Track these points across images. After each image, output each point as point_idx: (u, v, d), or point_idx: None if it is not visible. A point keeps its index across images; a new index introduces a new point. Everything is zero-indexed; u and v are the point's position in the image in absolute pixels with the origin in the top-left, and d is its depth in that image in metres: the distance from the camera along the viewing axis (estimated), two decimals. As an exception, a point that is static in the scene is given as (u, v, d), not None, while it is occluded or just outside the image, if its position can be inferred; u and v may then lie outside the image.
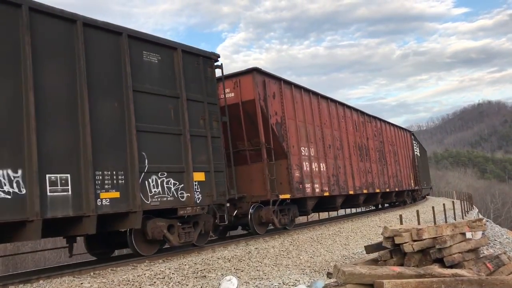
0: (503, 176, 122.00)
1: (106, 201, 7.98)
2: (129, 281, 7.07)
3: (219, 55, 11.11)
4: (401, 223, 11.75)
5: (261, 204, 12.56)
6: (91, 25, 8.19)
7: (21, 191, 6.80)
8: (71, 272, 7.77)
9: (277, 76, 13.86)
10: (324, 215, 23.31)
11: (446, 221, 15.94)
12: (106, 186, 8.04)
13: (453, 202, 25.16)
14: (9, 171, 6.72)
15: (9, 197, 6.66)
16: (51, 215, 7.13)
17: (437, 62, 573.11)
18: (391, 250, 7.36)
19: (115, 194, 8.17)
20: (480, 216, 29.69)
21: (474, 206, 34.98)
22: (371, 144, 21.24)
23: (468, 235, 7.51)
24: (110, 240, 10.14)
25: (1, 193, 6.59)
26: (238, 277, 7.62)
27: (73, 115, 7.70)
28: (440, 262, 6.89)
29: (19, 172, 6.82)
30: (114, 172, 8.20)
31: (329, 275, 7.26)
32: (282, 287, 6.94)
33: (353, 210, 27.43)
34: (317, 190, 14.78)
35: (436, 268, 6.14)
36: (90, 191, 7.66)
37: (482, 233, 7.87)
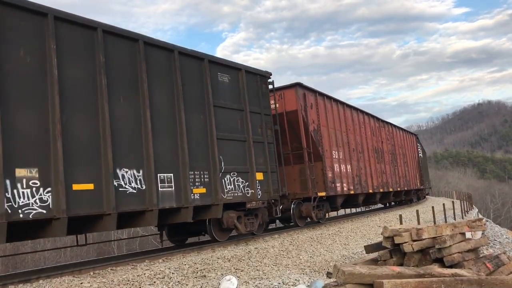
0: (503, 176, 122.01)
1: (197, 195, 10.00)
2: (128, 280, 7.07)
3: (271, 73, 13.18)
4: (401, 223, 11.76)
5: (301, 201, 14.59)
6: (183, 53, 10.37)
7: (142, 187, 8.81)
8: (71, 272, 7.77)
9: (313, 89, 16.07)
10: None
11: (446, 221, 15.94)
12: (197, 183, 10.08)
13: (453, 202, 25.17)
14: (134, 171, 8.73)
15: (135, 191, 8.65)
16: (161, 206, 9.12)
17: (437, 62, 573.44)
18: (391, 250, 7.36)
19: (203, 190, 10.19)
20: (480, 216, 29.69)
21: (474, 206, 34.97)
22: (385, 147, 23.47)
23: (468, 235, 7.51)
24: (185, 230, 12.07)
25: (130, 188, 8.59)
26: (238, 276, 7.62)
27: (174, 127, 9.78)
28: (440, 262, 6.88)
29: (141, 172, 8.85)
30: (202, 172, 10.26)
31: (328, 275, 7.26)
32: (282, 287, 6.94)
33: (353, 210, 27.52)
34: (345, 188, 16.94)
35: (436, 268, 6.14)
36: (187, 187, 9.73)
37: (482, 233, 7.88)
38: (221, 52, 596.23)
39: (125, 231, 30.33)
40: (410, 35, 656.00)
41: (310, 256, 10.13)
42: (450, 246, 6.91)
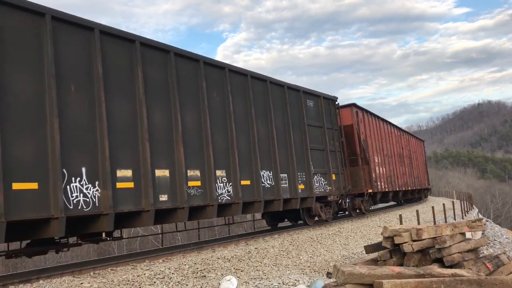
0: (503, 176, 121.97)
1: (300, 190, 14.23)
2: (129, 281, 7.07)
3: (337, 97, 17.92)
4: (401, 223, 11.76)
5: (353, 196, 18.74)
6: (291, 88, 15.00)
7: (272, 184, 13.03)
8: (71, 272, 7.78)
9: (362, 107, 21.02)
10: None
11: (445, 221, 15.94)
12: (299, 181, 14.27)
13: (453, 202, 25.16)
14: (268, 172, 12.94)
15: (269, 187, 12.91)
16: (284, 197, 13.34)
17: (437, 62, 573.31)
18: (391, 250, 7.36)
19: (303, 186, 14.45)
20: (480, 216, 29.68)
21: (474, 206, 34.96)
22: (404, 153, 28.32)
23: (468, 235, 7.51)
24: (280, 217, 16.50)
25: (267, 184, 12.80)
26: (237, 277, 7.63)
27: (286, 142, 14.07)
28: (440, 262, 6.89)
29: (271, 172, 13.05)
30: (302, 173, 14.49)
31: (328, 275, 7.27)
32: (281, 287, 6.94)
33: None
34: (382, 187, 21.67)
35: (436, 268, 6.14)
36: (296, 184, 14.02)
37: (482, 233, 7.89)
38: (222, 52, 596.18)
39: (125, 231, 30.28)
40: (410, 35, 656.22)
41: (310, 256, 10.13)
42: (450, 246, 6.91)
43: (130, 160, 8.77)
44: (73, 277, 7.49)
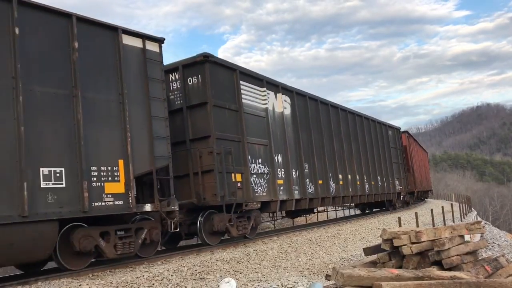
0: (501, 179, 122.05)
1: (397, 187, 24.34)
2: (127, 283, 7.06)
3: (399, 127, 27.64)
4: (400, 225, 11.76)
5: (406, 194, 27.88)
6: (379, 122, 24.25)
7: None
8: (70, 273, 7.76)
9: (410, 134, 32.39)
10: (323, 217, 23.33)
11: (444, 224, 15.95)
12: (391, 182, 23.72)
13: (451, 204, 25.16)
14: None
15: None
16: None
17: (437, 64, 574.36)
18: (390, 252, 7.36)
19: (390, 185, 23.89)
20: (479, 219, 29.69)
21: (472, 209, 34.98)
22: (424, 163, 39.32)
23: (467, 237, 7.51)
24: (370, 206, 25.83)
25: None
26: (236, 279, 7.62)
27: (380, 161, 22.73)
28: (439, 264, 6.89)
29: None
30: (392, 179, 23.87)
31: (327, 277, 7.26)
32: (280, 289, 6.93)
33: (352, 212, 27.59)
34: (419, 187, 31.45)
35: (435, 271, 6.14)
36: (389, 184, 23.53)
37: (481, 236, 7.89)
38: (222, 54, 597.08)
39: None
40: (410, 38, 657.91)
41: (309, 259, 10.12)
42: (449, 248, 6.92)
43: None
44: (72, 279, 7.47)
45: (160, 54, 9.77)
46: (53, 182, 7.36)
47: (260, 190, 12.27)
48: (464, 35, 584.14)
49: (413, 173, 29.62)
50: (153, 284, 7.16)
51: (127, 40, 9.08)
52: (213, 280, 7.56)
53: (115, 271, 8.17)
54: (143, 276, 7.44)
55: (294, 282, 7.32)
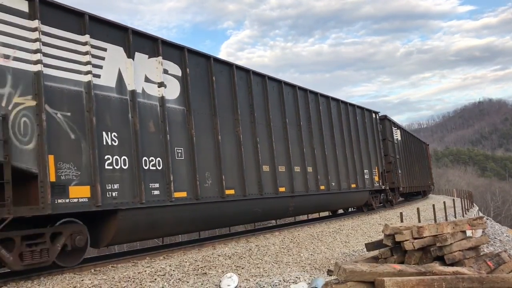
0: (503, 174, 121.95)
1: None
2: (129, 278, 7.07)
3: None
4: (402, 221, 11.75)
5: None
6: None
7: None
8: (72, 269, 7.77)
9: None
10: (324, 213, 23.35)
11: (446, 219, 15.94)
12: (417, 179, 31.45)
13: (453, 200, 25.17)
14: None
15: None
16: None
17: (440, 60, 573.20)
18: (392, 248, 7.35)
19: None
20: (481, 214, 29.68)
21: (474, 204, 34.98)
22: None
23: (469, 233, 7.50)
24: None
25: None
26: (238, 274, 7.63)
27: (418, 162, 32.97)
28: (441, 260, 6.88)
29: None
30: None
31: (329, 272, 7.26)
32: (282, 284, 6.94)
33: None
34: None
35: (437, 266, 6.13)
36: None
37: (483, 231, 7.87)
38: (226, 50, 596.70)
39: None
40: (414, 33, 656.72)
41: (311, 254, 10.13)
42: (451, 244, 6.90)
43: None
44: (74, 274, 7.49)
45: None
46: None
47: None
48: (467, 30, 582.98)
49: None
50: (156, 279, 7.17)
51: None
52: (215, 276, 7.56)
53: (117, 266, 8.18)
54: (145, 271, 7.45)
55: (296, 277, 7.32)
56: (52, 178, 7.44)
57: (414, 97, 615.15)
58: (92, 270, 7.81)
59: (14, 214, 6.86)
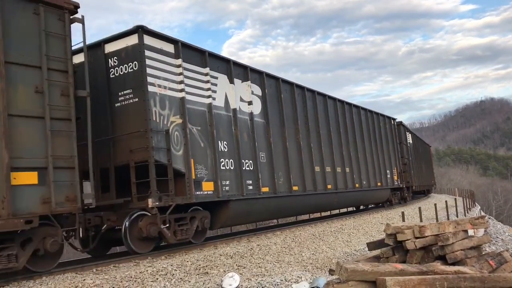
0: (505, 173, 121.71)
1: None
2: (131, 277, 7.08)
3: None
4: (403, 220, 11.74)
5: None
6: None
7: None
8: (74, 268, 7.79)
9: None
10: (325, 212, 23.33)
11: (448, 218, 15.92)
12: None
13: (455, 199, 25.13)
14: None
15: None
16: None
17: (442, 59, 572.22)
18: (393, 247, 7.34)
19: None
20: (482, 214, 29.63)
21: (476, 204, 34.93)
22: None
23: (470, 232, 7.49)
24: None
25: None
26: (240, 273, 7.63)
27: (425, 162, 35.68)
28: (443, 259, 6.87)
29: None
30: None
31: (331, 271, 7.26)
32: (284, 283, 6.94)
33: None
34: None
35: (439, 265, 6.12)
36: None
37: (484, 231, 7.86)
38: (227, 49, 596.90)
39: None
40: (416, 32, 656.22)
41: (312, 253, 10.13)
42: (452, 243, 6.90)
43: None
44: (76, 273, 7.50)
45: None
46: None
47: None
48: (469, 29, 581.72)
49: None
50: (157, 278, 7.18)
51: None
52: (216, 275, 7.57)
53: (119, 265, 8.19)
54: (147, 271, 7.45)
55: (298, 276, 7.32)
56: (193, 176, 10.12)
57: (415, 96, 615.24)
58: (94, 270, 7.82)
59: (175, 202, 9.50)
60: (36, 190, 7.15)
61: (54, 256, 7.71)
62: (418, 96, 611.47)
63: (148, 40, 9.73)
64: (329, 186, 15.87)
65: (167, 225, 9.41)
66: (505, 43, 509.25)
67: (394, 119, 25.28)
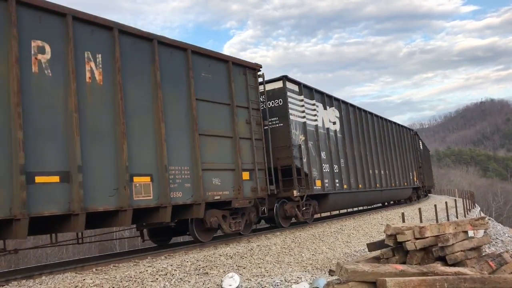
0: (505, 175, 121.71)
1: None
2: (131, 277, 7.07)
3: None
4: (403, 221, 11.74)
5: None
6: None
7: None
8: (74, 268, 7.79)
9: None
10: (325, 213, 23.33)
11: (448, 219, 15.92)
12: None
13: (455, 200, 25.14)
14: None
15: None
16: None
17: (443, 60, 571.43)
18: (393, 248, 7.34)
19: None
20: (482, 215, 29.60)
21: (476, 205, 34.91)
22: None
23: (470, 233, 7.49)
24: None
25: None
26: (240, 274, 7.62)
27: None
28: (443, 260, 6.87)
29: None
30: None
31: (331, 272, 7.26)
32: (284, 284, 6.93)
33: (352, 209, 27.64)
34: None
35: (439, 266, 6.12)
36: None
37: (484, 232, 7.86)
38: (228, 49, 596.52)
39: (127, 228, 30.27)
40: (417, 33, 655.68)
41: (312, 254, 10.12)
42: (453, 244, 6.90)
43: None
44: (76, 273, 7.49)
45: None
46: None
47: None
48: (470, 31, 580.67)
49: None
50: (157, 279, 7.17)
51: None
52: (216, 275, 7.56)
53: (119, 265, 8.19)
54: (146, 270, 7.45)
55: (298, 277, 7.32)
56: (312, 176, 14.47)
57: (416, 97, 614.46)
58: (94, 270, 7.81)
59: (305, 193, 13.96)
60: (249, 183, 11.53)
61: (246, 227, 12.07)
62: (418, 97, 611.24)
63: (288, 84, 14.30)
64: (377, 185, 20.63)
65: (304, 208, 14.00)
66: (506, 44, 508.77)
67: (412, 130, 31.07)
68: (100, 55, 8.21)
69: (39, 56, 7.35)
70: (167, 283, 7.01)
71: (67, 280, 6.86)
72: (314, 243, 11.39)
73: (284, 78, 14.13)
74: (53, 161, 7.24)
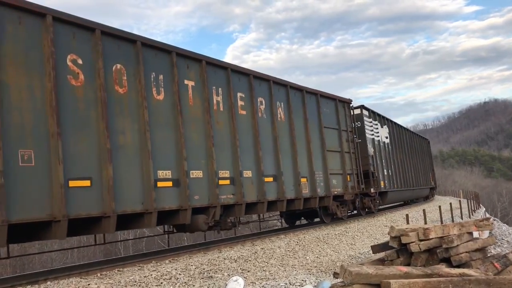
0: (510, 175, 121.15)
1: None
2: (135, 282, 7.08)
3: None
4: (408, 222, 11.71)
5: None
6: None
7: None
8: (78, 273, 7.80)
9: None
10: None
11: (452, 221, 15.87)
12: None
13: (459, 201, 25.08)
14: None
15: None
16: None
17: (446, 60, 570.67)
18: (398, 250, 7.32)
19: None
20: (487, 215, 29.52)
21: (481, 205, 34.79)
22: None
23: (475, 234, 7.46)
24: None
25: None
26: (244, 277, 7.62)
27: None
28: (447, 261, 6.85)
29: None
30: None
31: (335, 275, 7.24)
32: (288, 287, 6.93)
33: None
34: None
35: (443, 268, 6.10)
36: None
37: (489, 232, 7.83)
38: (232, 53, 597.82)
39: (131, 232, 30.39)
40: (420, 34, 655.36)
41: (317, 257, 10.10)
42: (457, 245, 6.87)
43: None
44: (80, 278, 7.51)
45: None
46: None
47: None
48: (473, 31, 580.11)
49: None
50: (161, 283, 7.18)
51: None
52: (221, 279, 7.56)
53: (123, 270, 8.20)
54: (151, 275, 7.46)
55: (302, 280, 7.31)
56: (378, 178, 19.75)
57: (419, 98, 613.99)
58: (98, 274, 7.83)
59: (377, 190, 19.39)
60: (349, 183, 16.64)
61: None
62: (422, 98, 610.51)
63: (364, 111, 19.90)
64: (411, 185, 26.14)
65: (377, 202, 19.67)
66: (509, 44, 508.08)
67: (426, 139, 36.38)
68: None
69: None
70: (171, 287, 7.01)
71: (72, 285, 6.88)
72: (318, 245, 11.37)
73: (362, 107, 19.78)
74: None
